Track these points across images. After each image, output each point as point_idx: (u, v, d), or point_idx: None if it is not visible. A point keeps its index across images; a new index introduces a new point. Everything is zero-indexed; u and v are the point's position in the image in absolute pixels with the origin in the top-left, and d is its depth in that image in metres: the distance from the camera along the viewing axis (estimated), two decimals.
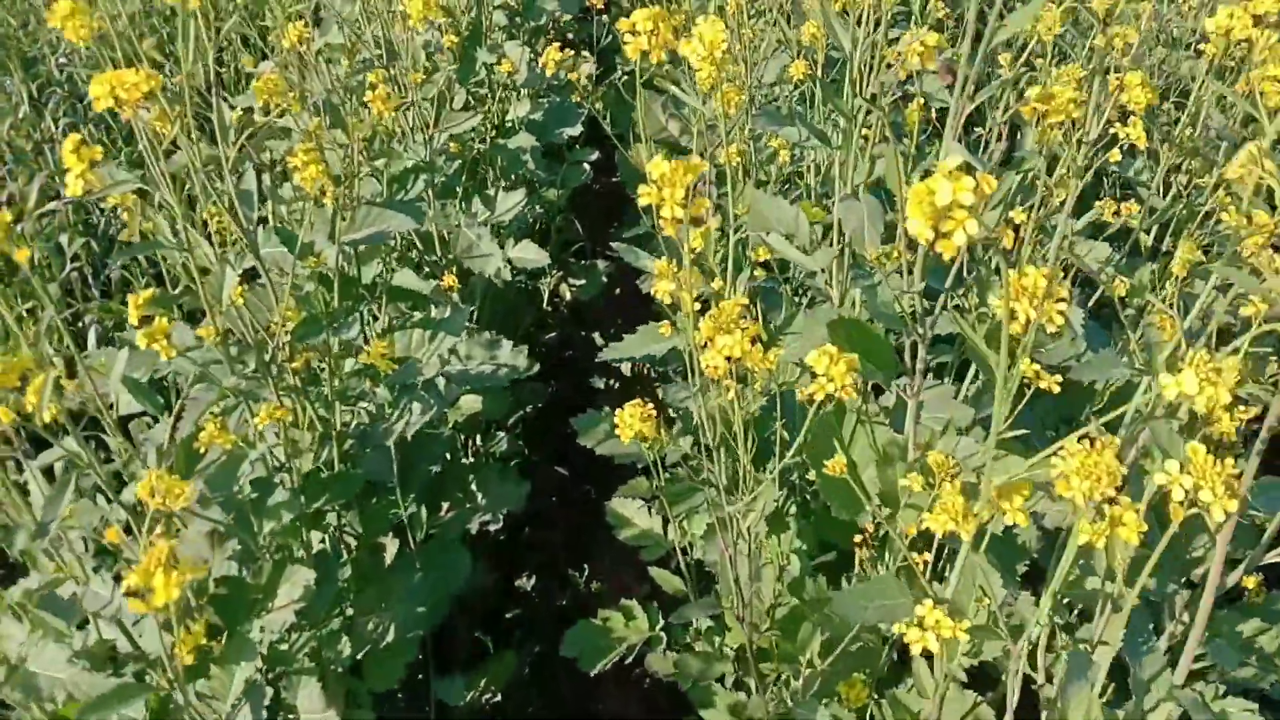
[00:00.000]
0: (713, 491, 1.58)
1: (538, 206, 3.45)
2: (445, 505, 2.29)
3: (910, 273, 1.37)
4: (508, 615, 2.68)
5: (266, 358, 1.70)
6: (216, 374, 1.62)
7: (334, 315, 1.72)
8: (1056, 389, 1.23)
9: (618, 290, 3.99)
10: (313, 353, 1.79)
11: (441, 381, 2.07)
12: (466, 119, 2.34)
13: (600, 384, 3.51)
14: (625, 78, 4.20)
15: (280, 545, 1.77)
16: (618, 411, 1.56)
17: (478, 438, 2.98)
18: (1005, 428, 1.09)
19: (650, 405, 1.55)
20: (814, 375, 1.07)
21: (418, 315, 2.11)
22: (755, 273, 1.79)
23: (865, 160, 1.60)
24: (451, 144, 2.55)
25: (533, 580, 2.77)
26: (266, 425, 1.71)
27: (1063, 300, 1.07)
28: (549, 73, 2.03)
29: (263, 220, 2.01)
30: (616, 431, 1.53)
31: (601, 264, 3.72)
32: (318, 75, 2.37)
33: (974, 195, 0.72)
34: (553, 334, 3.61)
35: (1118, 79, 1.39)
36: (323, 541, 1.94)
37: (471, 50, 2.99)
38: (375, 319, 2.17)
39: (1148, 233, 1.79)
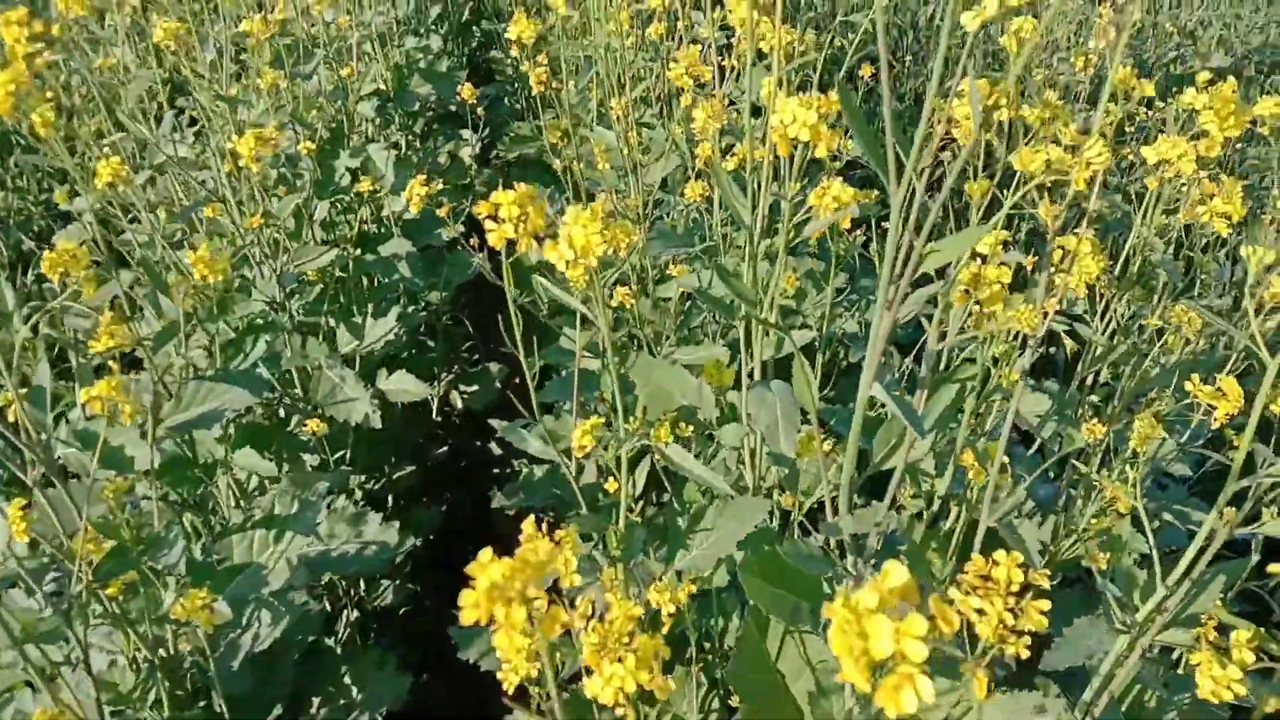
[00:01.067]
0: None
1: (420, 312, 3.16)
2: (316, 701, 1.97)
3: (834, 496, 1.14)
4: None
5: (69, 596, 1.39)
6: None
7: (149, 542, 1.41)
8: (1025, 654, 1.01)
9: (516, 380, 3.71)
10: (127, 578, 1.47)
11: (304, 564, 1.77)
12: (321, 254, 2.05)
13: (502, 498, 3.22)
14: (514, 152, 3.96)
15: None
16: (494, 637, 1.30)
17: (361, 583, 2.67)
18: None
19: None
20: None
21: (266, 502, 1.80)
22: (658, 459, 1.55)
23: (772, 332, 1.38)
24: (310, 272, 2.26)
25: None
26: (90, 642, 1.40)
27: (1044, 594, 0.85)
28: (414, 209, 1.76)
29: (62, 414, 1.69)
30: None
31: (494, 367, 3.44)
32: (143, 208, 2.06)
33: (925, 644, 0.49)
34: (444, 448, 3.31)
35: (1060, 245, 1.19)
36: None
37: (333, 155, 2.70)
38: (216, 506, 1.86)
39: (1092, 373, 1.61)
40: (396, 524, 1.91)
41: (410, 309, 3.11)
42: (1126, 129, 3.58)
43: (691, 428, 1.44)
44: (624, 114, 2.22)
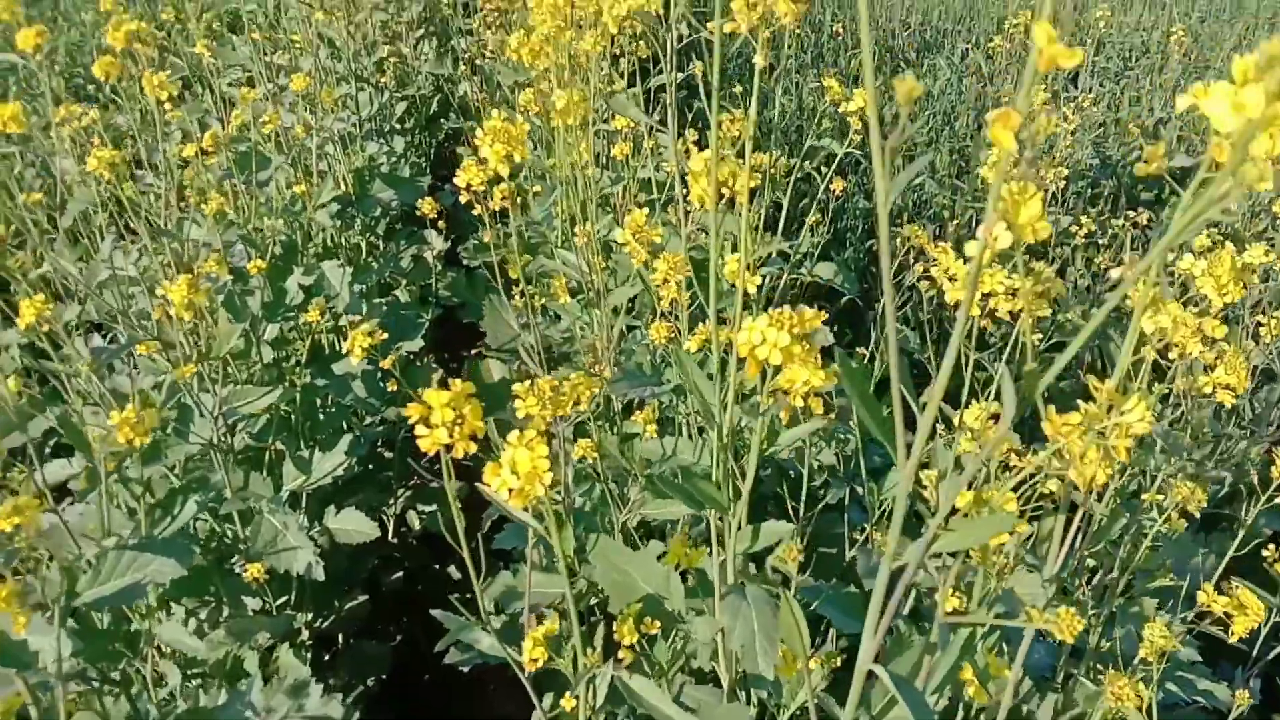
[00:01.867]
0: None
1: (377, 426, 3.02)
2: None
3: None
4: None
5: None
6: None
7: None
8: None
9: (476, 497, 3.54)
10: None
11: None
12: (263, 394, 1.92)
13: (456, 653, 3.01)
14: (477, 260, 3.85)
15: None
16: None
17: None
18: None
19: None
20: None
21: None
22: (622, 654, 1.41)
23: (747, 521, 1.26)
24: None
25: None
26: None
27: None
28: (355, 361, 1.64)
29: None
30: None
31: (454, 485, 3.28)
32: (70, 344, 1.92)
33: None
34: (398, 573, 3.13)
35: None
36: None
37: (285, 271, 2.58)
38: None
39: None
40: (340, 696, 1.74)
41: (368, 421, 2.97)
42: (1099, 240, 3.54)
43: (658, 623, 1.31)
44: (587, 241, 2.12)
